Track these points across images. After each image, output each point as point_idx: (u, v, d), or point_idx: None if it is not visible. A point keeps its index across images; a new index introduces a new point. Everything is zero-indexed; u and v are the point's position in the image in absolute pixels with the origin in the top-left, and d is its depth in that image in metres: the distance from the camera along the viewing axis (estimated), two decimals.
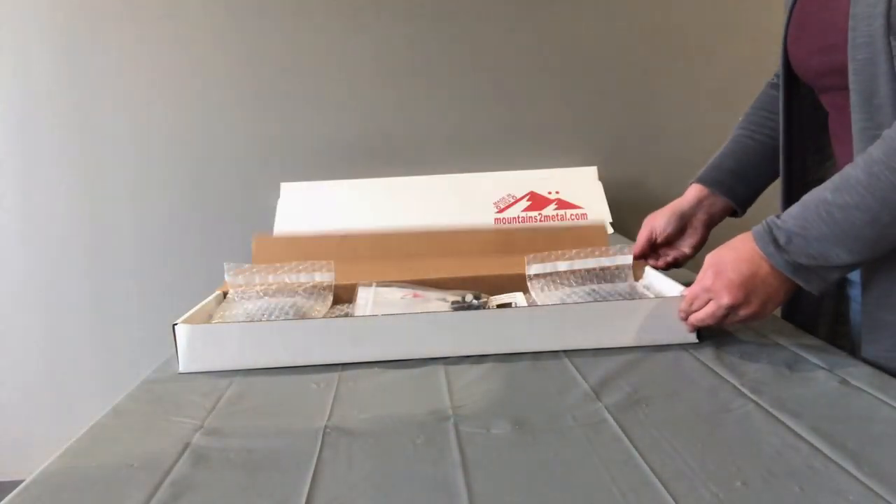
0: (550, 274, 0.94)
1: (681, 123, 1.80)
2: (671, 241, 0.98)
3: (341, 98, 1.74)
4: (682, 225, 0.97)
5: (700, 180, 0.97)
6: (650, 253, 1.00)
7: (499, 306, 0.89)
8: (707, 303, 0.72)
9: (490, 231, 1.20)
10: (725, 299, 0.70)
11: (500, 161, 1.76)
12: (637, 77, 1.78)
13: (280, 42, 1.72)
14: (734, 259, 0.70)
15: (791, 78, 0.83)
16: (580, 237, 1.02)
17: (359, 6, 1.71)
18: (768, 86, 0.97)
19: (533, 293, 0.92)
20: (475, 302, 0.86)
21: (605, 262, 0.96)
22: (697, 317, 0.74)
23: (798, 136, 0.85)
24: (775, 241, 0.67)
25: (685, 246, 0.98)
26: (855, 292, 0.81)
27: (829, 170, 0.83)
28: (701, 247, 0.98)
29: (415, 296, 0.91)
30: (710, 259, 0.73)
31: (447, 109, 1.76)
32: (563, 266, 0.94)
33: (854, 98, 0.66)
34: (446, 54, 1.75)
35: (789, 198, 0.86)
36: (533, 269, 0.94)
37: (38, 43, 1.68)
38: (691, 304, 0.74)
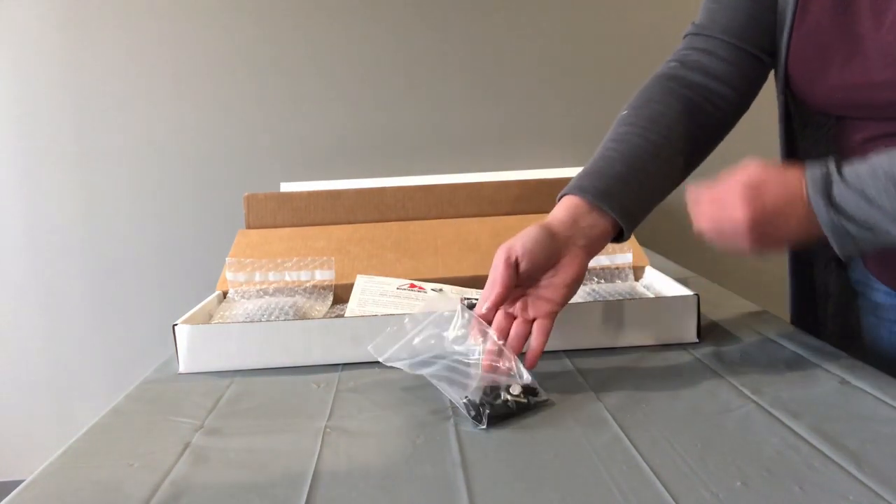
0: None
1: None
2: (536, 273, 0.67)
3: (341, 98, 1.74)
4: (553, 250, 0.66)
5: (577, 190, 0.69)
6: (509, 298, 0.66)
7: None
8: (717, 207, 0.63)
9: (489, 186, 1.20)
10: (740, 213, 0.61)
11: (500, 161, 1.76)
12: (636, 77, 1.78)
13: (280, 42, 1.72)
14: (779, 182, 0.61)
15: (789, 99, 0.77)
16: None
17: (360, 6, 1.71)
18: (662, 77, 0.80)
19: None
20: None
21: (605, 261, 0.96)
22: (698, 211, 0.65)
23: (797, 154, 0.80)
24: (829, 193, 0.59)
25: (559, 281, 0.67)
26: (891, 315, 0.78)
27: None
28: (579, 284, 0.68)
29: (411, 286, 0.91)
30: (750, 170, 0.63)
31: (448, 110, 1.76)
32: None
33: None
34: (448, 55, 1.74)
35: None
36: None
37: (38, 43, 1.68)
38: (700, 200, 0.64)
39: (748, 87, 0.79)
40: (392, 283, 0.92)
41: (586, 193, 0.68)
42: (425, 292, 0.91)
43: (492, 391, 0.61)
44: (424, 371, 0.64)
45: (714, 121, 0.78)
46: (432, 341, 0.66)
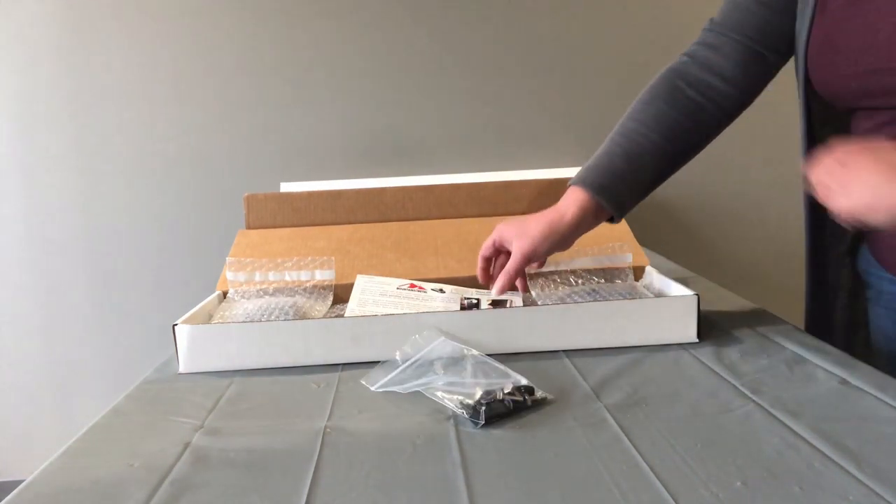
0: (551, 273, 0.94)
1: None
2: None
3: (341, 98, 1.74)
4: (554, 249, 0.84)
5: (588, 186, 0.81)
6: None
7: (493, 303, 0.89)
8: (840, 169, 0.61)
9: (489, 186, 1.20)
10: (866, 162, 0.60)
11: (500, 161, 1.76)
12: (636, 77, 1.78)
13: (280, 42, 1.72)
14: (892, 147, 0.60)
15: (809, 94, 0.77)
16: None
17: (359, 7, 1.71)
18: (672, 74, 0.86)
19: (533, 292, 0.92)
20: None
21: (605, 261, 0.96)
22: (823, 181, 0.63)
23: (819, 146, 0.79)
24: None
25: (536, 263, 0.88)
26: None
27: None
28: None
29: (411, 286, 0.91)
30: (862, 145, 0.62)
31: (447, 110, 1.76)
32: (563, 265, 0.94)
33: None
34: (447, 55, 1.74)
35: (814, 214, 0.82)
36: (533, 268, 0.94)
37: (39, 42, 1.68)
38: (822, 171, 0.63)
39: (752, 85, 0.84)
40: (392, 283, 0.92)
41: (598, 193, 0.81)
42: (425, 292, 0.91)
43: (487, 394, 0.62)
44: (419, 388, 0.66)
45: (715, 120, 0.85)
46: (423, 369, 0.70)
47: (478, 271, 0.88)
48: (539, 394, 0.64)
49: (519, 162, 1.76)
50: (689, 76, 0.85)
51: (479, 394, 0.62)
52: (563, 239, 0.82)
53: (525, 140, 1.79)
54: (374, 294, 0.89)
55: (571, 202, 0.82)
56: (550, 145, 1.80)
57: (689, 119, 0.83)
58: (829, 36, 0.73)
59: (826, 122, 0.79)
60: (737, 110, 0.86)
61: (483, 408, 0.59)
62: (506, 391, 0.62)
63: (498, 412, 0.60)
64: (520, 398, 0.62)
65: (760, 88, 0.85)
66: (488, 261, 0.88)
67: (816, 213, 0.82)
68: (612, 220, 0.86)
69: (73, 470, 0.54)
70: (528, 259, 0.82)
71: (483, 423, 0.58)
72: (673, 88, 0.84)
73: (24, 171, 1.73)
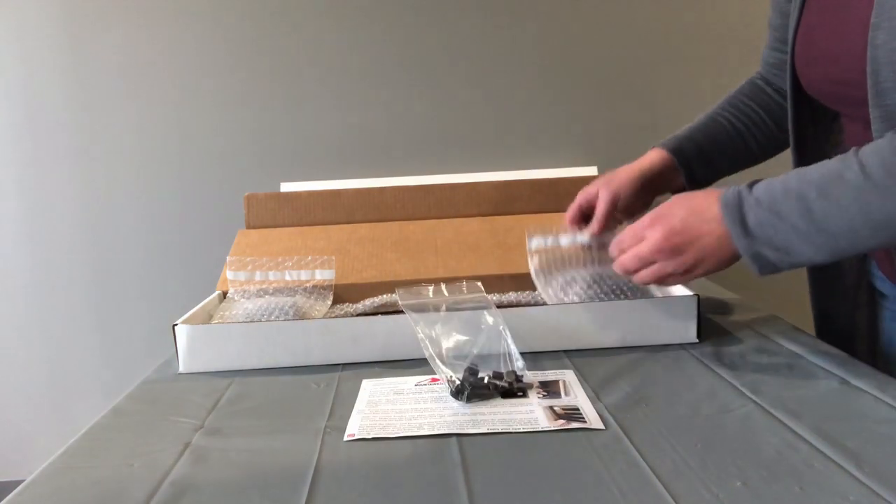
0: (551, 269, 0.92)
1: (681, 123, 1.80)
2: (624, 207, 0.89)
3: (341, 98, 1.74)
4: (642, 196, 0.88)
5: (668, 148, 0.90)
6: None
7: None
8: (635, 240, 0.69)
9: (488, 186, 1.20)
10: (653, 235, 0.67)
11: (500, 161, 1.76)
12: (637, 76, 1.78)
13: (280, 42, 1.72)
14: (684, 205, 0.66)
15: (798, 89, 0.77)
16: (579, 186, 0.96)
17: (360, 6, 1.71)
18: (756, 80, 0.94)
19: (533, 276, 0.90)
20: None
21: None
22: (622, 260, 0.71)
23: (806, 146, 0.80)
24: (744, 220, 0.62)
25: (628, 214, 0.89)
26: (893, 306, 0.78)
27: None
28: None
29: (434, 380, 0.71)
30: (657, 209, 0.70)
31: (447, 110, 1.76)
32: (564, 241, 0.91)
33: (878, 135, 0.61)
34: (446, 55, 1.74)
35: None
36: (534, 244, 0.91)
37: (40, 41, 1.68)
38: (620, 245, 0.71)
39: None
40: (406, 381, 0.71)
41: (674, 153, 0.88)
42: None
43: (472, 373, 0.65)
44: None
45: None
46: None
47: (568, 216, 0.89)
48: (527, 381, 0.67)
49: (519, 162, 1.76)
50: (771, 86, 0.91)
51: (465, 374, 0.65)
52: (643, 183, 0.86)
53: (525, 140, 1.79)
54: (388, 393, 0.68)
55: (652, 154, 0.89)
56: (550, 145, 1.80)
57: (770, 115, 0.90)
58: (812, 31, 0.72)
59: (817, 120, 0.78)
60: None
61: (467, 390, 0.63)
62: (491, 377, 0.66)
63: (481, 396, 0.64)
64: (503, 384, 0.65)
65: None
66: (580, 208, 0.89)
67: None
68: (694, 185, 0.90)
69: (73, 470, 0.54)
70: (614, 201, 0.85)
71: (465, 401, 0.62)
72: (758, 88, 0.92)
73: (24, 170, 1.73)
